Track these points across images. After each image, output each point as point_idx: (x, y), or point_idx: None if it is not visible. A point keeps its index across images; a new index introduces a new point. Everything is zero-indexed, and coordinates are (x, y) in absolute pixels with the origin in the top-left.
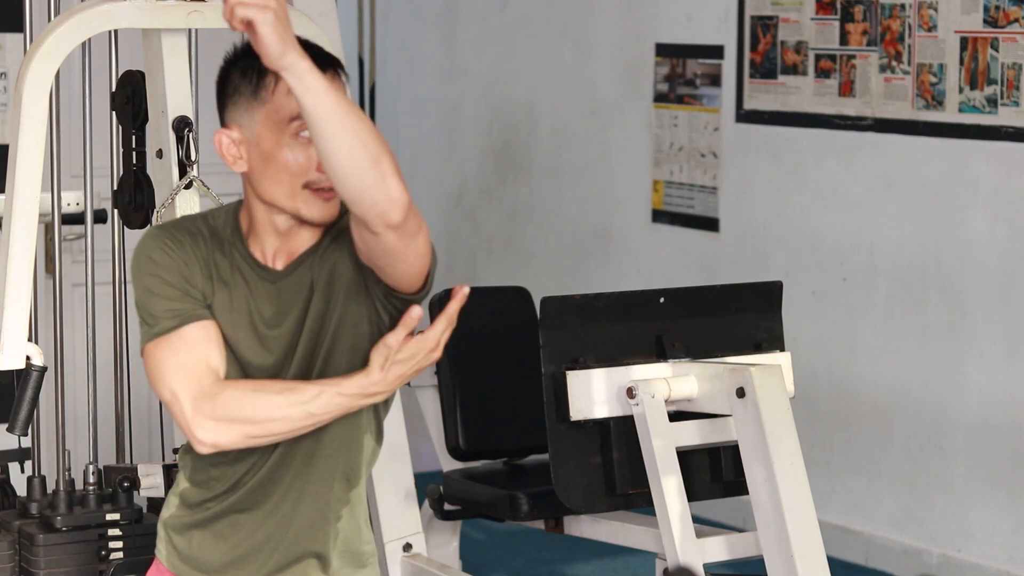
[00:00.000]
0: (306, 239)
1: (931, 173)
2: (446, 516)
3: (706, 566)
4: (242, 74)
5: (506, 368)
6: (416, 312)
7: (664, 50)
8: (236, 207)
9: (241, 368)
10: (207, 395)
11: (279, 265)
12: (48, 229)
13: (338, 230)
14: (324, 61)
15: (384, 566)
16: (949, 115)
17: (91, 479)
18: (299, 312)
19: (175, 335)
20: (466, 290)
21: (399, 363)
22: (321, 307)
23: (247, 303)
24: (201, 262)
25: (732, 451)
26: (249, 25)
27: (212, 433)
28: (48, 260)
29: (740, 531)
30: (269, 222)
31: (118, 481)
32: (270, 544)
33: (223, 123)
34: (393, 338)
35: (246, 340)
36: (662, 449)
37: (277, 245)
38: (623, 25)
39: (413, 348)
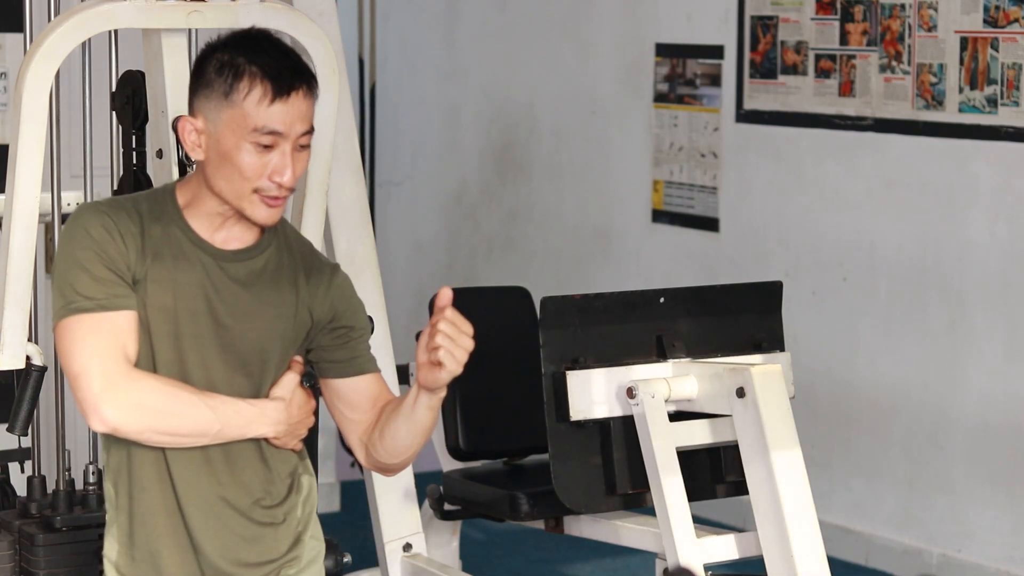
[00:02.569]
0: (248, 226)
1: (931, 173)
2: (446, 516)
3: (706, 566)
4: (217, 71)
5: (506, 368)
6: (298, 360)
7: (664, 50)
8: (172, 186)
9: (176, 338)
10: (120, 378)
11: (217, 243)
12: (48, 229)
13: (309, 267)
14: (293, 81)
15: (384, 566)
16: (949, 115)
17: (91, 479)
18: (260, 311)
19: (99, 316)
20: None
21: (295, 405)
22: (277, 341)
23: (187, 274)
24: (135, 237)
25: (732, 451)
26: (436, 353)
27: (118, 413)
28: (48, 260)
29: (740, 531)
30: (214, 207)
31: None
32: None
33: (189, 110)
34: (293, 379)
35: (190, 307)
36: (662, 449)
37: (218, 225)
38: (623, 25)
39: (306, 398)
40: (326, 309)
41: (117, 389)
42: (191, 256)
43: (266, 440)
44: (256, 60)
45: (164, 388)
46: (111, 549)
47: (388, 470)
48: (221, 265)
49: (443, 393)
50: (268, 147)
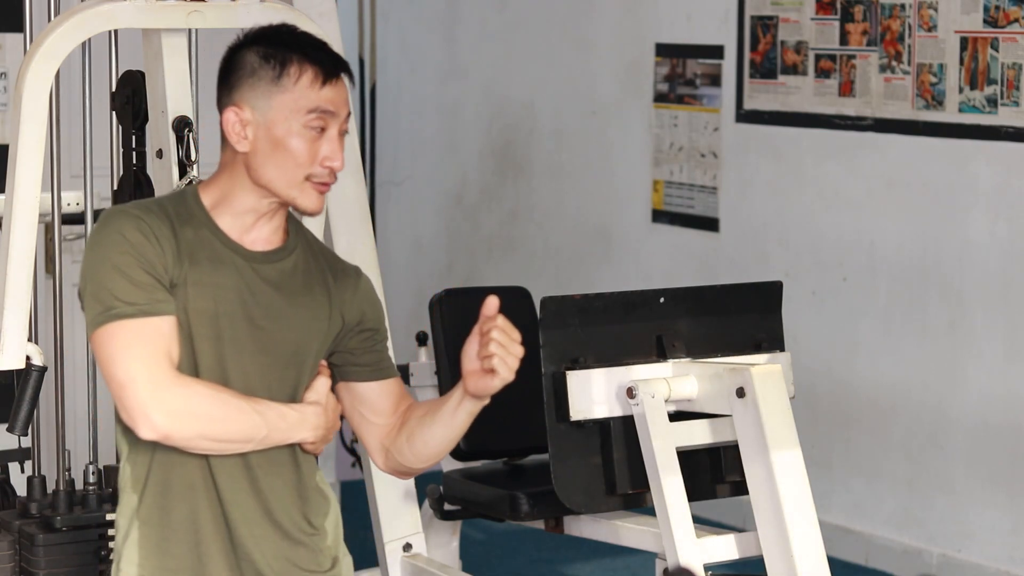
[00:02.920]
0: (276, 227)
1: (931, 173)
2: (446, 516)
3: (706, 566)
4: (264, 59)
5: None
6: (324, 364)
7: (664, 50)
8: (193, 189)
9: (217, 342)
10: (168, 384)
11: (247, 245)
12: (48, 229)
13: (335, 270)
14: (337, 64)
15: (384, 566)
16: (949, 115)
17: (91, 479)
18: (293, 310)
19: (142, 322)
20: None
21: (330, 408)
22: (311, 340)
23: (224, 277)
24: (170, 240)
25: (732, 451)
26: (492, 369)
27: (169, 420)
28: (48, 260)
29: (740, 531)
30: (249, 204)
31: (118, 481)
32: None
33: (231, 102)
34: (326, 383)
35: (228, 310)
36: (662, 449)
37: (249, 226)
38: (623, 25)
39: (336, 402)
40: (355, 312)
41: (166, 396)
42: (225, 258)
43: (300, 445)
44: (298, 48)
45: (213, 393)
46: (130, 562)
47: (408, 473)
48: (253, 267)
49: (487, 400)
50: (319, 132)
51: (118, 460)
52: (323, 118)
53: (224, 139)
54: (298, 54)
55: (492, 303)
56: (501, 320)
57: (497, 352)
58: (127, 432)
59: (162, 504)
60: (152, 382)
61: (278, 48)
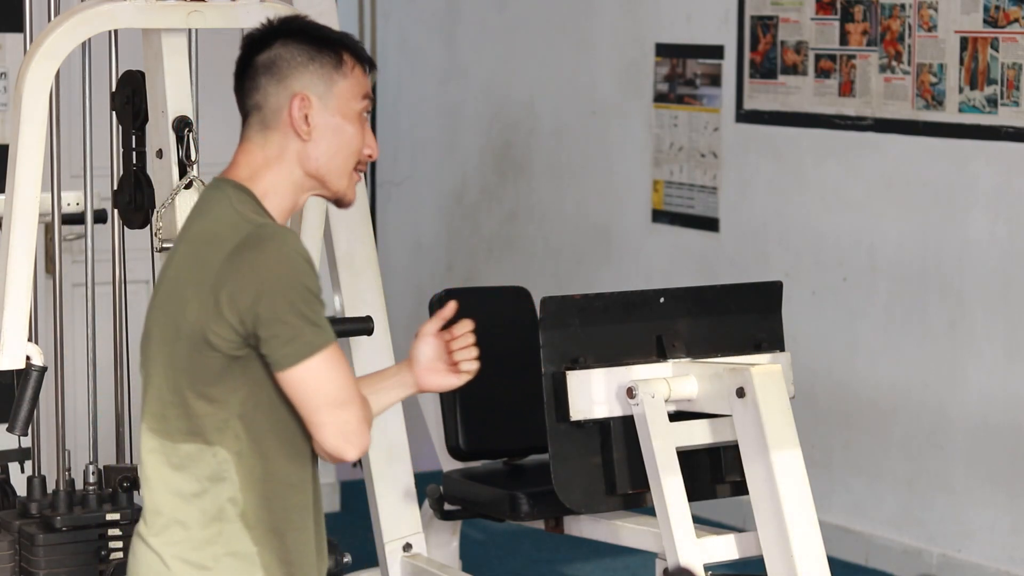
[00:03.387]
0: None
1: (931, 173)
2: (446, 516)
3: (706, 566)
4: (319, 45)
5: (506, 368)
6: None
7: (664, 50)
8: (245, 187)
9: None
10: (363, 402)
11: None
12: (48, 229)
13: None
14: (371, 62)
15: (384, 566)
16: (949, 115)
17: (91, 479)
18: None
19: (337, 344)
20: None
21: None
22: None
23: None
24: None
25: (732, 451)
26: (457, 371)
27: (368, 437)
28: (48, 260)
29: (740, 531)
30: (294, 200)
31: (118, 481)
32: None
33: (289, 91)
34: None
35: None
36: (662, 449)
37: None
38: (623, 25)
39: None
40: None
41: (367, 413)
42: None
43: None
44: (339, 38)
45: (367, 404)
46: None
47: None
48: None
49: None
50: (364, 119)
51: (118, 460)
52: (368, 105)
53: (266, 132)
54: (342, 44)
55: (453, 306)
56: (468, 323)
57: (473, 353)
58: (245, 456)
59: (282, 533)
60: (361, 401)
61: (323, 38)
